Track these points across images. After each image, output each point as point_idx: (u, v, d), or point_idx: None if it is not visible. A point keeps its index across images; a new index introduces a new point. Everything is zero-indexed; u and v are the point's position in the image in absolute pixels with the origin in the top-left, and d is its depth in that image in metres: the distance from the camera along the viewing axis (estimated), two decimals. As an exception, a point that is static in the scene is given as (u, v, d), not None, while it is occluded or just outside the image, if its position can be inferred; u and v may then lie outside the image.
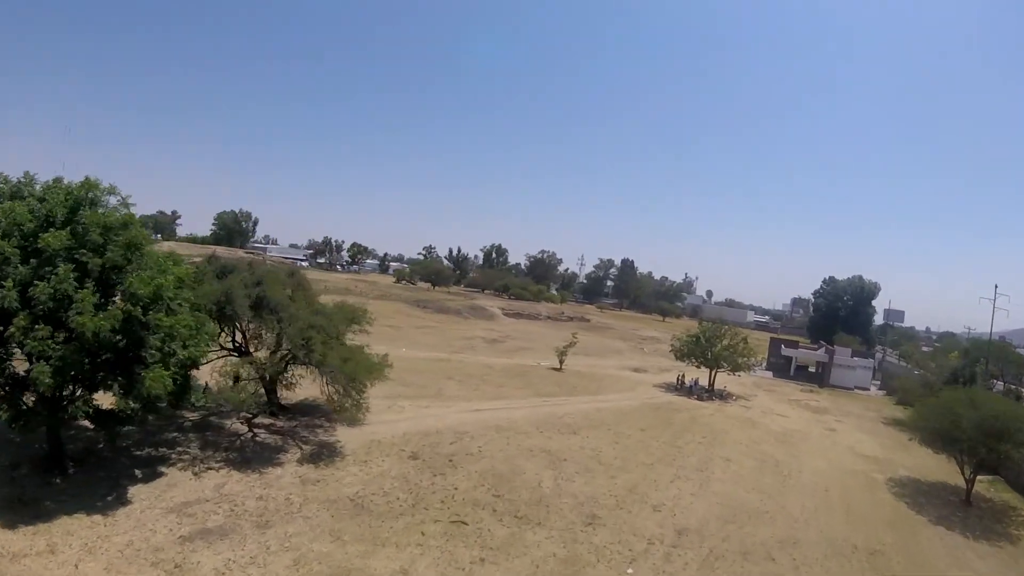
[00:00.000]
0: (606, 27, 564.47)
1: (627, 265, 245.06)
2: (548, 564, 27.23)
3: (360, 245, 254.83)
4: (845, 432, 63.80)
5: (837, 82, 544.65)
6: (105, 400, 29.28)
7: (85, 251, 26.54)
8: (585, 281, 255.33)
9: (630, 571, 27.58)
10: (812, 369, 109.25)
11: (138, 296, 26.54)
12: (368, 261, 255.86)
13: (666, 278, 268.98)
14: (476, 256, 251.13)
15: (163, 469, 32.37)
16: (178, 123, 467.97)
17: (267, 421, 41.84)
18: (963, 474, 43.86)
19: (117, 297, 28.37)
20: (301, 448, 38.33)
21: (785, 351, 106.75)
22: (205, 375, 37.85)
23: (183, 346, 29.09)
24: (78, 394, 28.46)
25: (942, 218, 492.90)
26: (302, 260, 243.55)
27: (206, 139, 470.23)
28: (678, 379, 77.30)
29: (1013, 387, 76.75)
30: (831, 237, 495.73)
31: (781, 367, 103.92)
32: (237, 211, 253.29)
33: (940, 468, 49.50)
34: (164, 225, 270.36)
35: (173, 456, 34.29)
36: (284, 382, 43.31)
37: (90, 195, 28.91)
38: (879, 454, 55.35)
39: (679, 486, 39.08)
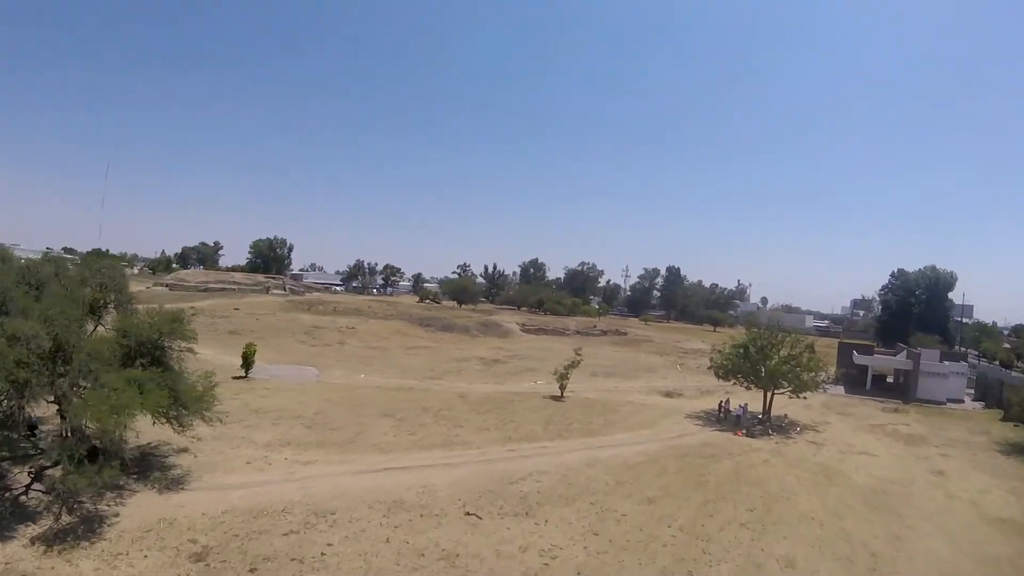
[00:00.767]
0: (653, 34, 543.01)
1: (673, 273, 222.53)
2: None
3: (393, 267, 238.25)
4: (958, 475, 42.65)
5: (890, 76, 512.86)
6: None
7: None
8: (629, 293, 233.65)
9: None
10: (890, 379, 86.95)
11: None
12: (401, 283, 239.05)
13: (716, 285, 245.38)
14: (514, 272, 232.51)
15: None
16: (217, 155, 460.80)
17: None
18: None
19: None
20: (59, 517, 23.98)
21: (859, 359, 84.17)
22: None
23: None
24: None
25: (995, 202, 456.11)
26: (337, 285, 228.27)
27: (243, 169, 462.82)
28: (720, 406, 56.07)
29: None
30: (887, 233, 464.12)
31: (854, 380, 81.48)
32: (272, 238, 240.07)
33: None
34: (207, 256, 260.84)
35: None
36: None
37: None
38: (1019, 515, 34.51)
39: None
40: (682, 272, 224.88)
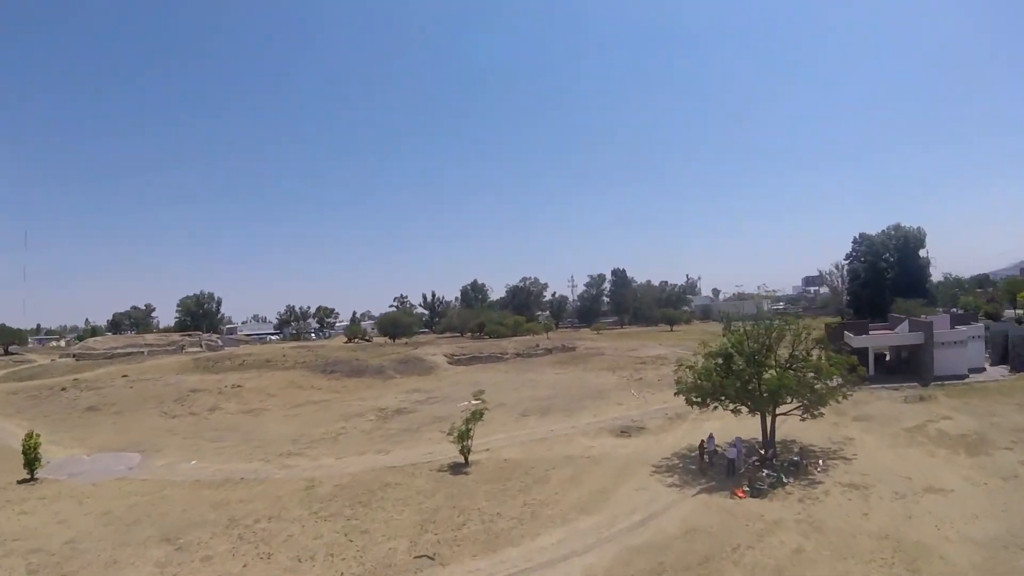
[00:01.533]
0: (572, 32, 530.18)
1: (619, 276, 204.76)
2: None
3: (326, 308, 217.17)
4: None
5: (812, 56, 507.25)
6: None
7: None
8: (578, 303, 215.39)
9: None
10: (888, 357, 69.30)
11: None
12: (338, 324, 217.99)
13: (666, 283, 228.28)
14: (456, 298, 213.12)
15: None
16: (143, 214, 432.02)
17: None
18: None
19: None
20: None
21: (856, 340, 66.12)
22: None
23: None
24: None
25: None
26: (272, 334, 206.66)
27: (171, 227, 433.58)
28: (702, 449, 36.64)
29: None
30: (829, 207, 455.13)
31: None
32: (198, 293, 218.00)
33: None
34: (140, 319, 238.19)
35: None
36: None
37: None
38: None
39: None
40: (629, 274, 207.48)
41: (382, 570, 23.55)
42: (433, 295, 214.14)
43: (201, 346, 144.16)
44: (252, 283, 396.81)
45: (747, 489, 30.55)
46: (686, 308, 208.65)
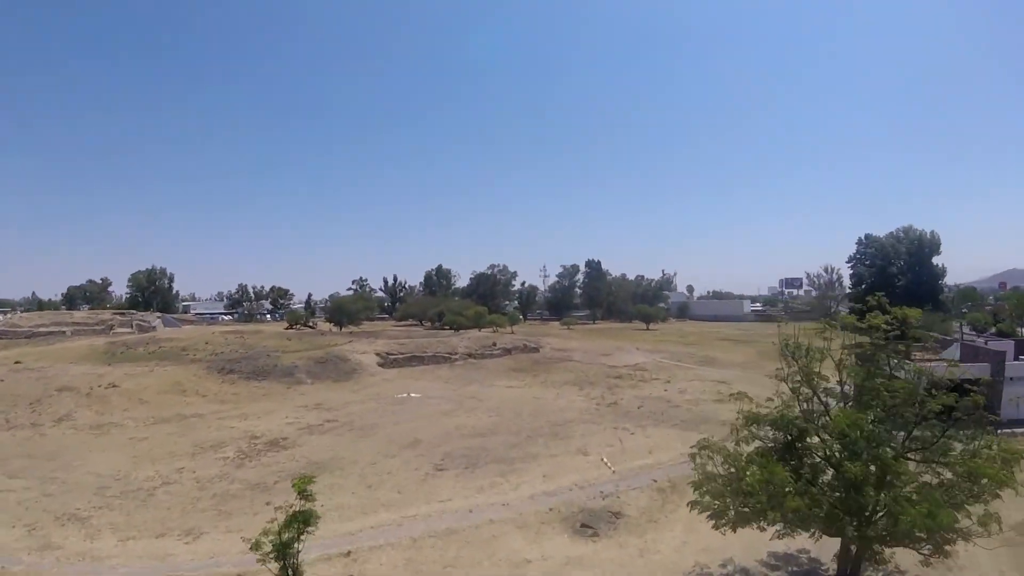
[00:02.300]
0: (555, 28, 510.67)
1: (594, 267, 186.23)
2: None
3: (281, 289, 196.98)
4: None
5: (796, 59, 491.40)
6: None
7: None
8: (549, 294, 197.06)
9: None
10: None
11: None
12: (293, 305, 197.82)
13: (643, 277, 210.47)
14: (420, 283, 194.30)
15: None
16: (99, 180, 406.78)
17: None
18: None
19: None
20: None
21: (898, 369, 48.49)
22: None
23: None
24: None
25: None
26: (225, 314, 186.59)
27: (127, 193, 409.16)
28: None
29: None
30: (807, 210, 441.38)
31: None
32: (149, 269, 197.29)
33: None
34: (95, 294, 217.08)
35: None
36: None
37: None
38: None
39: None
40: (604, 266, 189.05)
41: None
42: (395, 279, 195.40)
43: (132, 327, 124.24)
44: (220, 260, 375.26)
45: None
46: (662, 305, 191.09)
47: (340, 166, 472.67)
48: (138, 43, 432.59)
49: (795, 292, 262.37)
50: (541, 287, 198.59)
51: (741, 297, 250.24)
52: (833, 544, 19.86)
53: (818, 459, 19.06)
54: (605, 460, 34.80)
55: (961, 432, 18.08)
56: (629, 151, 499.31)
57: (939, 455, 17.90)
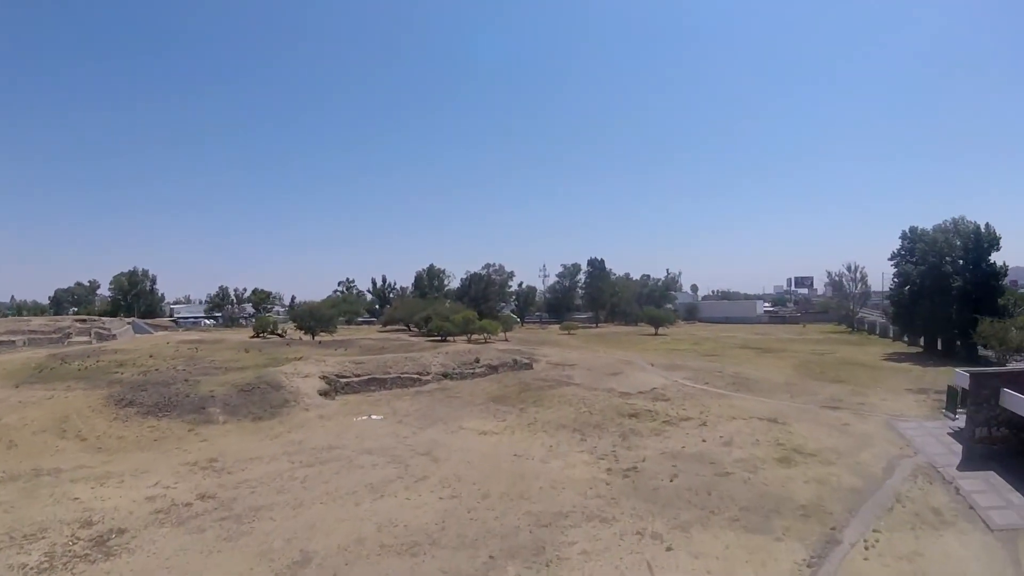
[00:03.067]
0: (561, 24, 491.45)
1: (596, 266, 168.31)
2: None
3: (263, 291, 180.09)
4: None
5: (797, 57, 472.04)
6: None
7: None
8: (549, 295, 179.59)
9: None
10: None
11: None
12: (277, 308, 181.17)
13: (648, 276, 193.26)
14: (409, 285, 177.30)
15: None
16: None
17: None
18: None
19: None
20: None
21: (1015, 402, 30.98)
22: None
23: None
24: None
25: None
26: (207, 318, 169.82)
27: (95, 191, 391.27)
28: None
29: None
30: (812, 207, 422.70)
31: (1004, 453, 29.91)
32: (130, 271, 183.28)
33: None
34: (83, 297, 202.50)
35: None
36: None
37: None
38: None
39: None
40: (607, 265, 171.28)
41: None
42: (384, 280, 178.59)
43: (91, 335, 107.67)
44: (217, 261, 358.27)
45: None
46: (670, 306, 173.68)
47: (335, 164, 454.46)
48: (118, 40, 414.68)
49: (800, 292, 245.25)
50: (540, 287, 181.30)
51: (750, 297, 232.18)
52: None
53: None
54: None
55: None
56: (628, 147, 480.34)
57: None
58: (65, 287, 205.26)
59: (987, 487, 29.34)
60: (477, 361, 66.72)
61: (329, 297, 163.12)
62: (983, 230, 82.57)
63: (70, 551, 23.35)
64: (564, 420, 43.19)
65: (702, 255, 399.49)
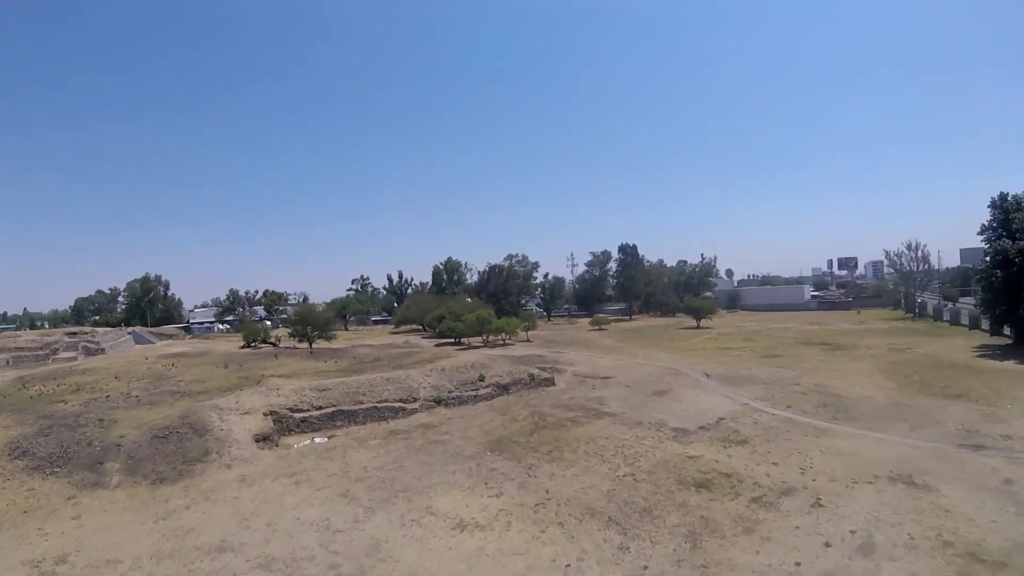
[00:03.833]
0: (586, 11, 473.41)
1: (628, 252, 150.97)
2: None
3: (274, 293, 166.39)
4: None
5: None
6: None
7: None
8: (577, 286, 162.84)
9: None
10: None
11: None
12: (289, 310, 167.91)
13: (685, 262, 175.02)
14: (425, 282, 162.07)
15: None
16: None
17: None
18: None
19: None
20: None
21: None
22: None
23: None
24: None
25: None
26: (220, 324, 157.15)
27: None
28: None
29: None
30: (845, 190, 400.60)
31: None
32: (143, 277, 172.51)
33: None
34: (104, 305, 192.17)
35: None
36: None
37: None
38: None
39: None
40: (640, 251, 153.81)
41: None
42: (400, 276, 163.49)
43: (78, 349, 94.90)
44: (236, 264, 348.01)
45: None
46: (709, 294, 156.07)
47: (350, 159, 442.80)
48: (132, 47, 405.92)
49: (844, 274, 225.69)
50: (569, 278, 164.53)
51: (791, 282, 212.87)
52: None
53: None
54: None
55: None
56: (656, 132, 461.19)
57: None
58: (86, 295, 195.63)
59: None
60: (481, 379, 50.77)
61: (338, 298, 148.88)
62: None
63: None
64: (593, 496, 26.93)
65: (734, 238, 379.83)
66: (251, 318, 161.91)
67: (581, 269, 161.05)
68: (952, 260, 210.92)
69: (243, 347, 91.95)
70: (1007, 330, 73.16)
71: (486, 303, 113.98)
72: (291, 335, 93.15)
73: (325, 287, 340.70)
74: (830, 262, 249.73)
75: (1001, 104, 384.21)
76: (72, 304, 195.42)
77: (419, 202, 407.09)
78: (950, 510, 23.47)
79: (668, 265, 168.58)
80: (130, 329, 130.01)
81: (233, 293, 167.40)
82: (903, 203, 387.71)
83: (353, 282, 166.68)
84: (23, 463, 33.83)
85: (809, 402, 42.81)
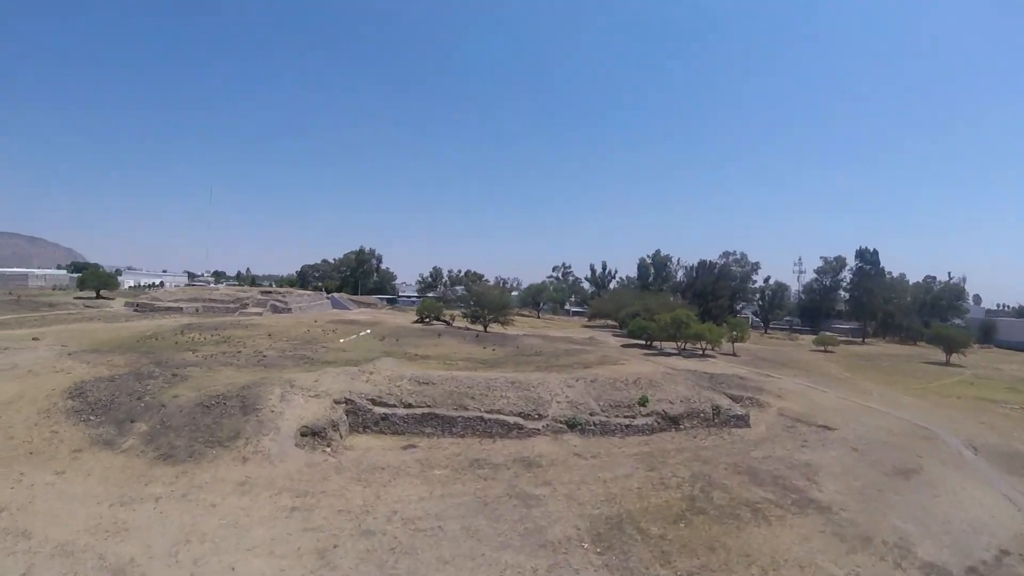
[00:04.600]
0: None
1: (868, 260, 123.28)
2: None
3: (475, 273, 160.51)
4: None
5: None
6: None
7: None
8: (803, 295, 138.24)
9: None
10: None
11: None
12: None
13: (933, 279, 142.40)
14: (632, 275, 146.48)
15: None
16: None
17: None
18: None
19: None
20: None
21: None
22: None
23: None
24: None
25: None
26: (415, 298, 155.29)
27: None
28: None
29: None
30: None
31: None
32: (358, 250, 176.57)
33: None
34: (327, 273, 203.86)
35: None
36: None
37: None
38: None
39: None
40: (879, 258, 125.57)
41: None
42: (604, 267, 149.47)
43: (267, 307, 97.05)
44: (459, 246, 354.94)
45: None
46: (959, 321, 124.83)
47: (574, 148, 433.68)
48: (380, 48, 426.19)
49: None
50: (794, 286, 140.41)
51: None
52: None
53: None
54: None
55: None
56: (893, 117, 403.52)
57: None
58: (312, 263, 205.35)
59: None
60: (643, 403, 35.71)
61: (534, 284, 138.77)
62: None
63: None
64: None
65: (981, 257, 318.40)
66: (451, 296, 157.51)
67: (809, 276, 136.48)
68: None
69: (415, 322, 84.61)
70: None
71: (691, 304, 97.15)
72: (463, 315, 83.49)
73: (531, 272, 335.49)
74: None
75: None
76: (299, 269, 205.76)
77: (633, 188, 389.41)
78: None
79: (912, 281, 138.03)
80: (329, 295, 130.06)
81: (436, 271, 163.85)
82: None
83: (554, 269, 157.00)
84: (72, 404, 30.72)
85: None
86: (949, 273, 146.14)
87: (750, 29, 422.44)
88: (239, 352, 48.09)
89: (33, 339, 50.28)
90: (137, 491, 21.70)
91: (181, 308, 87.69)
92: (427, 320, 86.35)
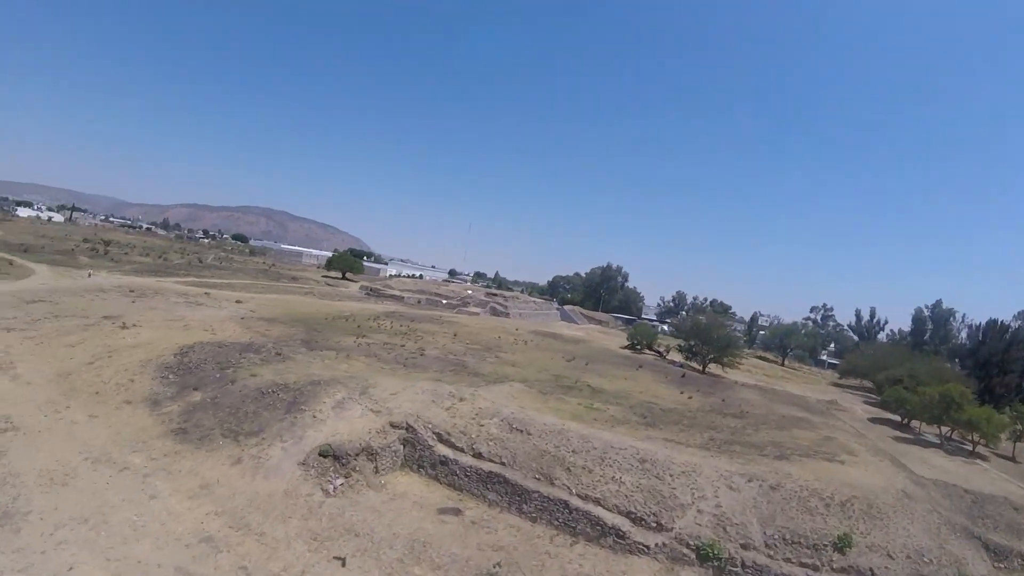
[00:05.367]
0: None
1: None
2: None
3: (721, 303, 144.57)
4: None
5: None
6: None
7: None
8: None
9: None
10: None
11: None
12: (736, 324, 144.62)
13: None
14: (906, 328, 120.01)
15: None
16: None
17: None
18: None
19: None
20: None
21: None
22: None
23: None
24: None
25: None
26: (663, 324, 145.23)
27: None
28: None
29: None
30: None
31: None
32: (604, 266, 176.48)
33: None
34: (576, 285, 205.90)
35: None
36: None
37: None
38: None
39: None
40: None
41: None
42: (872, 314, 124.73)
43: (486, 308, 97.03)
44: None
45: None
46: None
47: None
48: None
49: None
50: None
51: None
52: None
53: None
54: None
55: None
56: None
57: None
58: (565, 275, 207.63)
59: None
60: (842, 546, 21.63)
61: (783, 323, 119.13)
62: None
63: None
64: None
65: None
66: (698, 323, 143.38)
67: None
68: None
69: (623, 347, 73.68)
70: None
71: (969, 376, 73.97)
72: (679, 349, 70.53)
73: (790, 310, 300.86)
74: None
75: None
76: (550, 279, 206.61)
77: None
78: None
79: None
80: (559, 307, 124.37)
81: (679, 295, 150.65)
82: None
83: (812, 310, 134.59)
84: (172, 360, 31.11)
85: None
86: None
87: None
88: (402, 347, 44.47)
89: (237, 301, 52.27)
90: (120, 456, 21.03)
91: (403, 298, 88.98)
92: (638, 347, 74.77)
